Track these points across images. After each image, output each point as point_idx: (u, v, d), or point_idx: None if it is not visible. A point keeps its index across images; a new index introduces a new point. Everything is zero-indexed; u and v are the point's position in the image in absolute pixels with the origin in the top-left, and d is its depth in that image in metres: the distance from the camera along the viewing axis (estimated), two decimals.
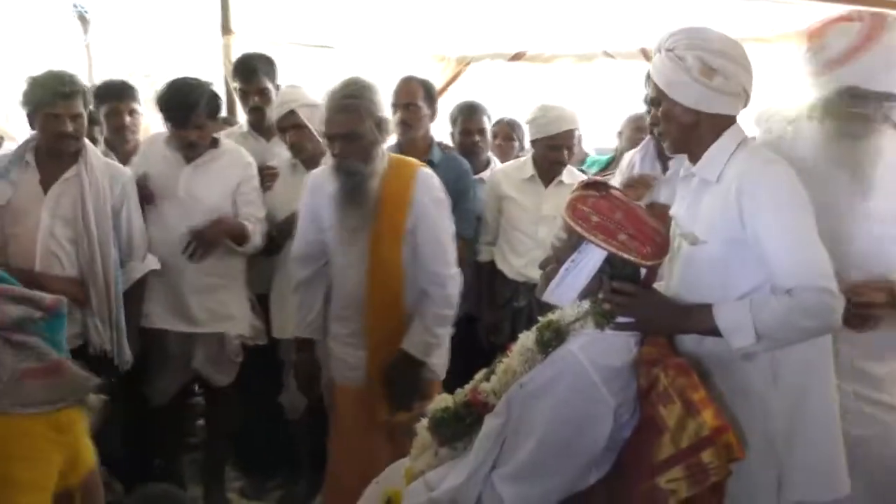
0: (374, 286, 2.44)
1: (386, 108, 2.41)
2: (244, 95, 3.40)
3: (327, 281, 2.57)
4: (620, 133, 3.76)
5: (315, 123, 3.07)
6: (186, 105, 2.84)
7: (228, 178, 2.98)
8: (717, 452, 1.49)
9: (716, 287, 1.73)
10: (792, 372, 1.75)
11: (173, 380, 3.05)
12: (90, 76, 6.31)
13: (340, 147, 2.34)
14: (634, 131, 3.66)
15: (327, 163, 2.53)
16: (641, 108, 3.62)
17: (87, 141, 2.76)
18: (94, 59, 5.75)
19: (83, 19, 7.31)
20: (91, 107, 2.88)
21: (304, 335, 2.60)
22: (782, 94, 2.87)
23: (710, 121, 1.78)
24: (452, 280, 2.48)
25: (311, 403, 2.83)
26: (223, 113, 4.20)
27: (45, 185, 2.66)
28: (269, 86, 3.36)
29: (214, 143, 3.00)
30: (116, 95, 3.28)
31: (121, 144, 3.25)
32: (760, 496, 1.77)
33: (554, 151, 3.16)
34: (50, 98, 2.59)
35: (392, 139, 3.45)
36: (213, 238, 2.89)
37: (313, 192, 2.53)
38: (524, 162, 3.30)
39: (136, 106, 3.32)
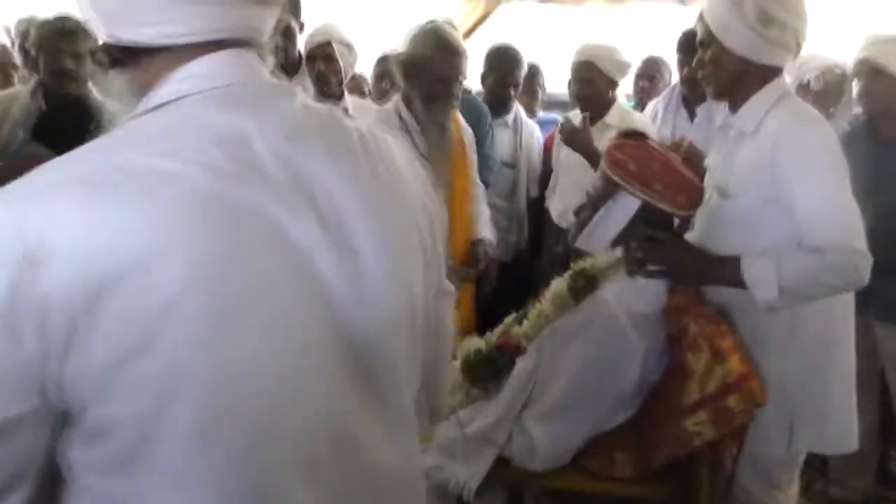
0: (458, 210, 2.57)
1: None
2: None
3: None
4: (640, 76, 3.70)
5: (345, 63, 3.07)
6: None
7: None
8: (742, 398, 1.54)
9: (741, 240, 1.74)
10: (813, 325, 1.78)
11: None
12: None
13: (446, 89, 2.44)
14: (647, 81, 3.63)
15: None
16: (664, 53, 3.60)
17: None
18: None
19: None
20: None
21: None
22: (814, 42, 2.83)
23: (757, 71, 1.76)
24: None
25: None
26: None
27: None
28: (293, 23, 3.32)
29: None
30: None
31: None
32: (772, 442, 1.81)
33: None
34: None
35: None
36: None
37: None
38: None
39: None
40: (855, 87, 2.58)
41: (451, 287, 0.96)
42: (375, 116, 2.56)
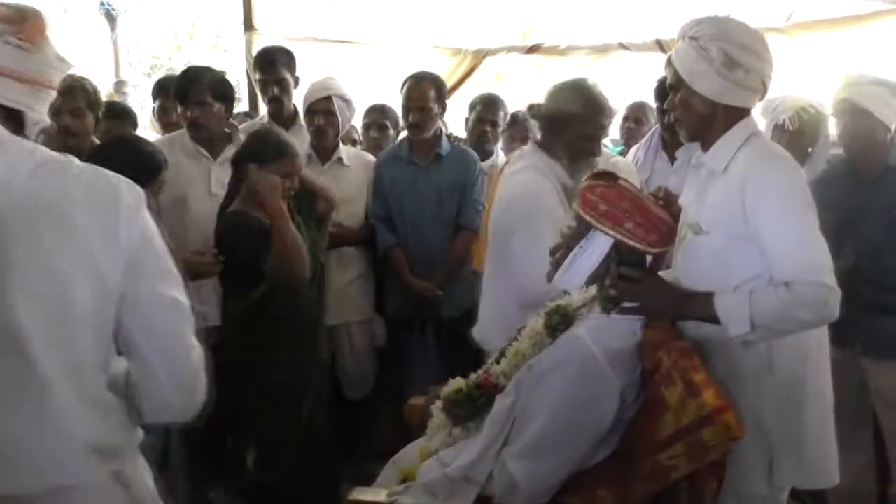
0: None
1: None
2: (264, 86, 3.47)
3: None
4: (626, 118, 3.83)
5: (343, 117, 3.17)
6: (188, 79, 2.93)
7: None
8: (717, 431, 1.55)
9: (713, 276, 1.78)
10: (788, 360, 1.79)
11: None
12: (117, 72, 6.47)
13: (590, 146, 2.37)
14: (633, 123, 3.75)
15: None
16: (648, 101, 3.71)
17: None
18: (120, 56, 5.90)
19: (110, 17, 7.50)
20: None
21: None
22: (792, 84, 2.90)
23: (726, 112, 1.81)
24: None
25: None
26: (243, 107, 4.33)
27: None
28: (288, 77, 3.44)
29: (230, 137, 3.01)
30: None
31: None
32: (752, 479, 1.81)
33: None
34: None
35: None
36: None
37: (551, 196, 2.36)
38: None
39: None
40: (835, 126, 2.63)
41: (173, 295, 1.25)
42: (525, 161, 2.44)
